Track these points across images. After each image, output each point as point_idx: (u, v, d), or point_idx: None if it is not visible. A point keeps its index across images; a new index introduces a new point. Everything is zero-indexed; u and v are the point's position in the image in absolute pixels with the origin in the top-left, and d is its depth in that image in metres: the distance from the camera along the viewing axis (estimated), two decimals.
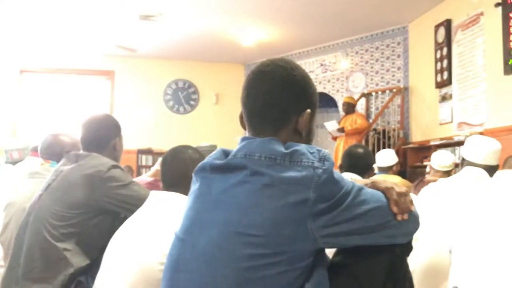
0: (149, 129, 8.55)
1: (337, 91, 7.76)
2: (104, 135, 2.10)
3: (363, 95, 7.20)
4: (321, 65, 8.00)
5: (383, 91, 6.99)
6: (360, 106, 7.29)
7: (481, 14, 5.18)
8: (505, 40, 4.63)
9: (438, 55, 5.99)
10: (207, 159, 1.13)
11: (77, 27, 6.84)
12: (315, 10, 6.19)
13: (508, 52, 4.59)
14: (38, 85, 8.40)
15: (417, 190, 3.27)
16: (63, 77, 8.48)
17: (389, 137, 6.62)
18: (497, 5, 4.75)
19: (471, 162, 2.18)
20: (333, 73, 7.84)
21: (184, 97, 8.88)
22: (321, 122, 6.88)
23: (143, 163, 8.27)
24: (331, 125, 6.47)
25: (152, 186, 2.59)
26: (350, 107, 6.55)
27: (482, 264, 0.74)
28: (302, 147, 1.04)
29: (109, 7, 6.01)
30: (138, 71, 8.63)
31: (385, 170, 3.90)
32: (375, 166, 3.76)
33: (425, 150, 5.99)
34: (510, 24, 4.57)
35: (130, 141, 7.68)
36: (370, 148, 6.38)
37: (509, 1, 4.58)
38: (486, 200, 0.79)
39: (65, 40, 7.43)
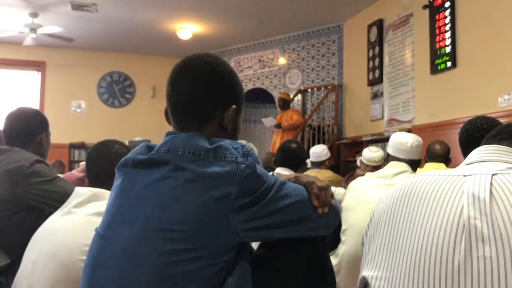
0: (82, 122, 8.27)
1: (275, 87, 7.85)
2: (29, 130, 2.02)
3: (299, 91, 7.33)
4: (259, 61, 8.07)
5: (319, 88, 7.15)
6: (297, 102, 7.41)
7: (411, 15, 5.41)
8: (432, 41, 4.86)
9: (371, 54, 6.20)
10: (130, 154, 1.10)
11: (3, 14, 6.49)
12: (253, 6, 6.22)
13: (435, 52, 4.83)
14: None
15: (347, 184, 3.38)
16: None
17: (323, 133, 6.78)
18: (425, 7, 4.98)
19: (395, 157, 2.28)
20: (271, 69, 7.92)
21: (119, 90, 8.66)
22: (260, 118, 6.91)
23: (76, 157, 7.98)
24: (268, 121, 6.55)
25: (82, 181, 2.52)
26: (285, 103, 6.64)
27: (384, 255, 0.78)
28: (226, 142, 1.05)
29: None
30: (71, 62, 8.33)
31: (317, 164, 4.00)
32: (308, 161, 3.85)
33: (357, 145, 6.19)
34: (437, 26, 4.81)
35: (62, 134, 7.42)
36: (306, 143, 6.51)
37: (435, 4, 4.82)
38: (392, 196, 0.84)
39: None
